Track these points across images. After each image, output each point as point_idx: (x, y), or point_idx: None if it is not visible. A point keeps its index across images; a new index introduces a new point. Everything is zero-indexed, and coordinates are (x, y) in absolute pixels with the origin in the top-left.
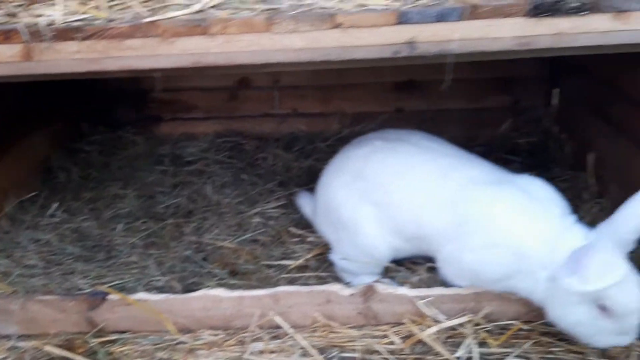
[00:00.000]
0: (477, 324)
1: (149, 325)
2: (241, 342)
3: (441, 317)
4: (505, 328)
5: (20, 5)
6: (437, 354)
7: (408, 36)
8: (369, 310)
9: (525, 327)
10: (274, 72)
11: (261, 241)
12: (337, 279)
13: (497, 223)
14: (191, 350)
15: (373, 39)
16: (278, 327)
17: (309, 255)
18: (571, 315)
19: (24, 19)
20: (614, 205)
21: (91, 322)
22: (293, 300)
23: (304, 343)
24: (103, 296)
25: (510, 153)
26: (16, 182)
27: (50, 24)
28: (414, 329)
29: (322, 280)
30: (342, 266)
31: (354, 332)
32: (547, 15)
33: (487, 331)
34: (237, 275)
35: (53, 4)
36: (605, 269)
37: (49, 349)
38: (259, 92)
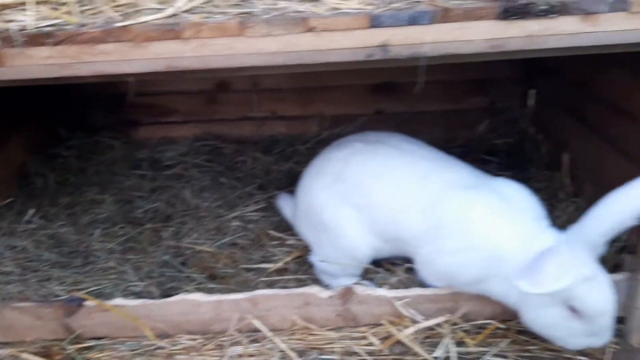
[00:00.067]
0: (455, 324)
1: (126, 331)
2: (220, 347)
3: (419, 317)
4: (482, 327)
5: None
6: (415, 354)
7: (381, 39)
8: (348, 312)
9: (502, 326)
10: (253, 75)
11: (240, 245)
12: (317, 282)
13: (473, 226)
14: (169, 356)
15: (346, 42)
16: (257, 330)
17: (289, 258)
18: (543, 318)
19: None
20: (588, 204)
21: (68, 329)
22: (271, 303)
23: (283, 346)
24: (80, 302)
25: (488, 154)
26: None
27: (21, 30)
28: (392, 329)
29: (301, 283)
30: (322, 268)
31: (333, 334)
32: (517, 17)
33: (465, 331)
34: (216, 280)
35: (24, 10)
36: (558, 272)
37: (25, 356)
38: (238, 96)
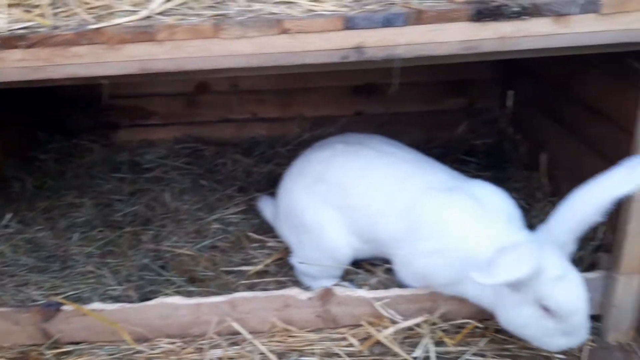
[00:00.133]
0: (434, 324)
1: (105, 335)
2: (199, 350)
3: (398, 317)
4: (461, 327)
5: None
6: (395, 354)
7: (356, 41)
8: (328, 313)
9: (480, 325)
10: (233, 77)
11: (220, 247)
12: (297, 283)
13: (447, 229)
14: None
15: (321, 44)
16: (236, 333)
17: (269, 261)
18: (518, 318)
19: None
20: None
21: (46, 334)
22: (251, 305)
23: (263, 348)
24: (57, 307)
25: (467, 154)
26: None
27: None
28: (372, 330)
29: (281, 285)
30: (302, 270)
31: (313, 336)
32: (490, 19)
33: (444, 330)
34: (195, 283)
35: None
36: (511, 265)
37: None
38: (218, 97)
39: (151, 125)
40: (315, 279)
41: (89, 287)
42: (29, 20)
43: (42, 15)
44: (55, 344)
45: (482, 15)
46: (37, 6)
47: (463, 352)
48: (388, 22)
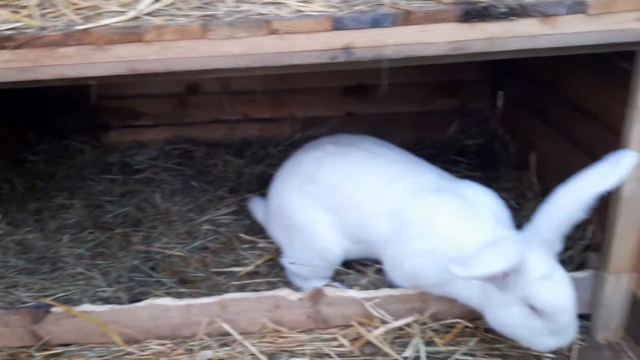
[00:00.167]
0: (424, 324)
1: (94, 337)
2: (190, 351)
3: (389, 317)
4: (451, 327)
5: None
6: (385, 354)
7: (344, 42)
8: (318, 314)
9: (470, 325)
10: (224, 77)
11: (211, 248)
12: (288, 284)
13: (435, 229)
14: None
15: (310, 45)
16: (227, 334)
17: (260, 261)
18: (506, 318)
19: None
20: None
21: (36, 336)
22: (241, 306)
23: (253, 349)
24: (47, 309)
25: (459, 154)
26: None
27: None
28: (362, 330)
29: (272, 286)
30: (293, 271)
31: (303, 337)
32: (477, 20)
33: (434, 330)
34: (186, 284)
35: None
36: (488, 259)
37: None
38: (209, 98)
39: (142, 126)
40: (306, 280)
41: (79, 288)
42: (17, 21)
43: (29, 16)
44: (45, 346)
45: (470, 16)
46: (24, 7)
47: (453, 352)
48: (376, 23)
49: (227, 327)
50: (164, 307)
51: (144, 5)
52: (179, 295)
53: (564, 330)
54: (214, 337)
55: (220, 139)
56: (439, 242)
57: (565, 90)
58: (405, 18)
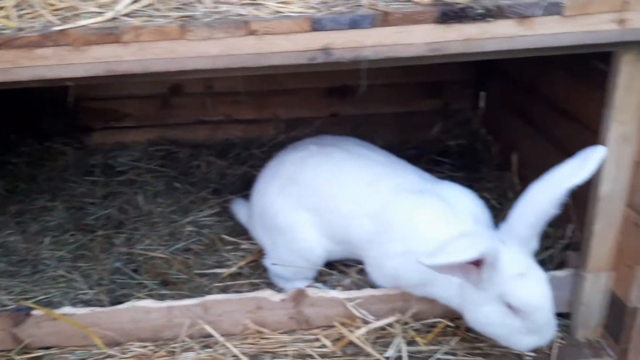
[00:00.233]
0: (406, 323)
1: (75, 340)
2: (172, 353)
3: (370, 318)
4: (432, 326)
5: None
6: (367, 354)
7: (323, 43)
8: (300, 314)
9: (451, 324)
10: (207, 78)
11: (194, 250)
12: (271, 285)
13: (415, 230)
14: None
15: (289, 46)
16: (209, 336)
17: (243, 263)
18: (484, 317)
19: None
20: None
21: (16, 339)
22: (223, 308)
23: (235, 351)
24: (27, 312)
25: (441, 155)
26: None
27: None
28: (344, 331)
29: (255, 287)
30: (276, 272)
31: (286, 337)
32: (455, 21)
33: (415, 330)
34: (168, 286)
35: None
36: (454, 249)
37: None
38: (192, 99)
39: (125, 128)
40: (288, 281)
41: (60, 291)
42: None
43: (6, 17)
44: (26, 349)
45: (447, 17)
46: (1, 8)
47: (435, 351)
48: (355, 24)
49: (209, 329)
50: (145, 309)
51: (122, 6)
52: (161, 297)
53: (541, 328)
54: (196, 339)
55: (203, 140)
56: (420, 243)
57: (545, 91)
58: (384, 19)
